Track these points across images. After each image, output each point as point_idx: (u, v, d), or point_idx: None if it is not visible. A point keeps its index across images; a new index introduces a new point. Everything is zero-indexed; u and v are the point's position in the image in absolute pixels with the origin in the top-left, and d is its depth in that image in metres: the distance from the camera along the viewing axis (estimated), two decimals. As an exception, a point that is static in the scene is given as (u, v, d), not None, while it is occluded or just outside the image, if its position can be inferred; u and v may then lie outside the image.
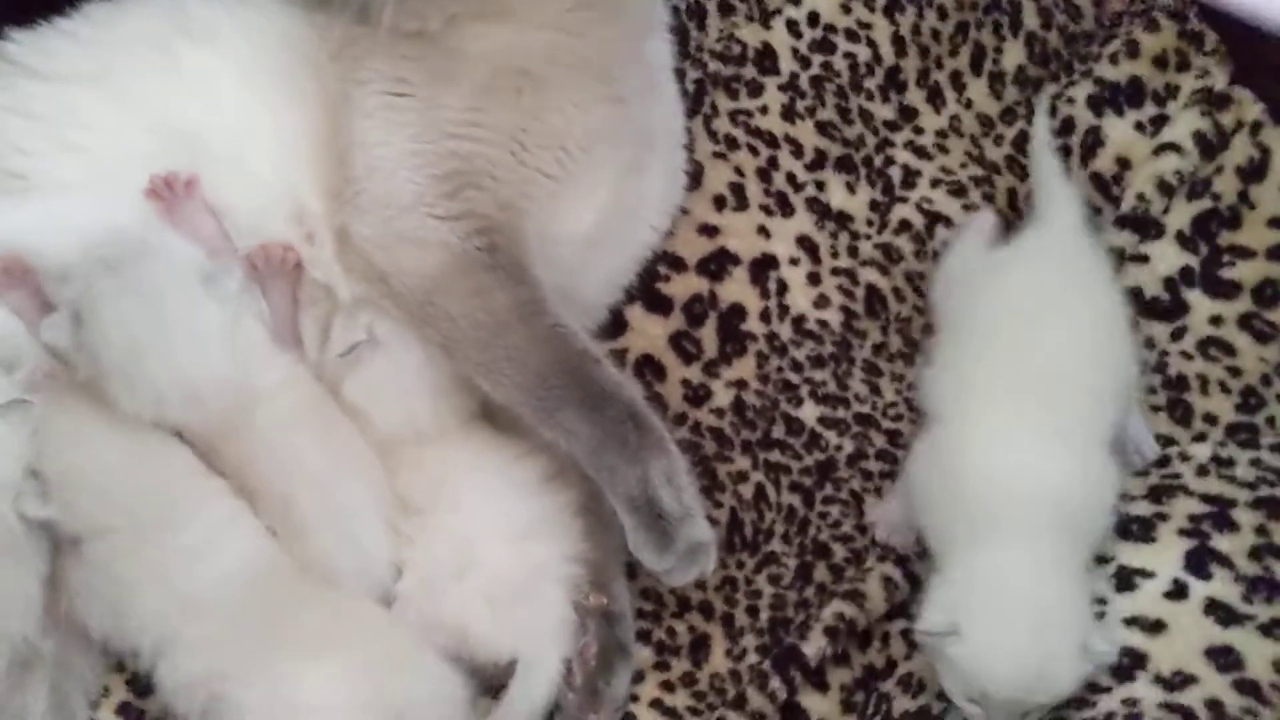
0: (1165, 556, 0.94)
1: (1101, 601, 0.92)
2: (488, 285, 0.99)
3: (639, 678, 1.02)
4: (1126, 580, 0.93)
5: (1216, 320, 1.14)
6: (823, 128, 1.26)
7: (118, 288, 0.92)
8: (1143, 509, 1.01)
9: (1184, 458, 1.05)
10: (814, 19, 1.28)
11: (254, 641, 0.91)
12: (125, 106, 1.02)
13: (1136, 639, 0.88)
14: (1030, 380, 0.98)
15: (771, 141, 1.24)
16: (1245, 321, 1.13)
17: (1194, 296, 1.15)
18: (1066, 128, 1.24)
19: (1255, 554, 0.95)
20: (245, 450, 0.98)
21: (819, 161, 1.25)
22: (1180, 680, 0.86)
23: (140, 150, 1.01)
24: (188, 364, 0.93)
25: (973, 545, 0.92)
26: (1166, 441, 1.08)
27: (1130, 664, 0.87)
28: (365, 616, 0.96)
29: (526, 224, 1.03)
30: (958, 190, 1.25)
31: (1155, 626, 0.88)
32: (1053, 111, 1.24)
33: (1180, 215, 1.17)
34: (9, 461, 0.93)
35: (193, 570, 0.92)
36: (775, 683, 0.99)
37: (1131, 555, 0.96)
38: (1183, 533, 0.95)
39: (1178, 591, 0.91)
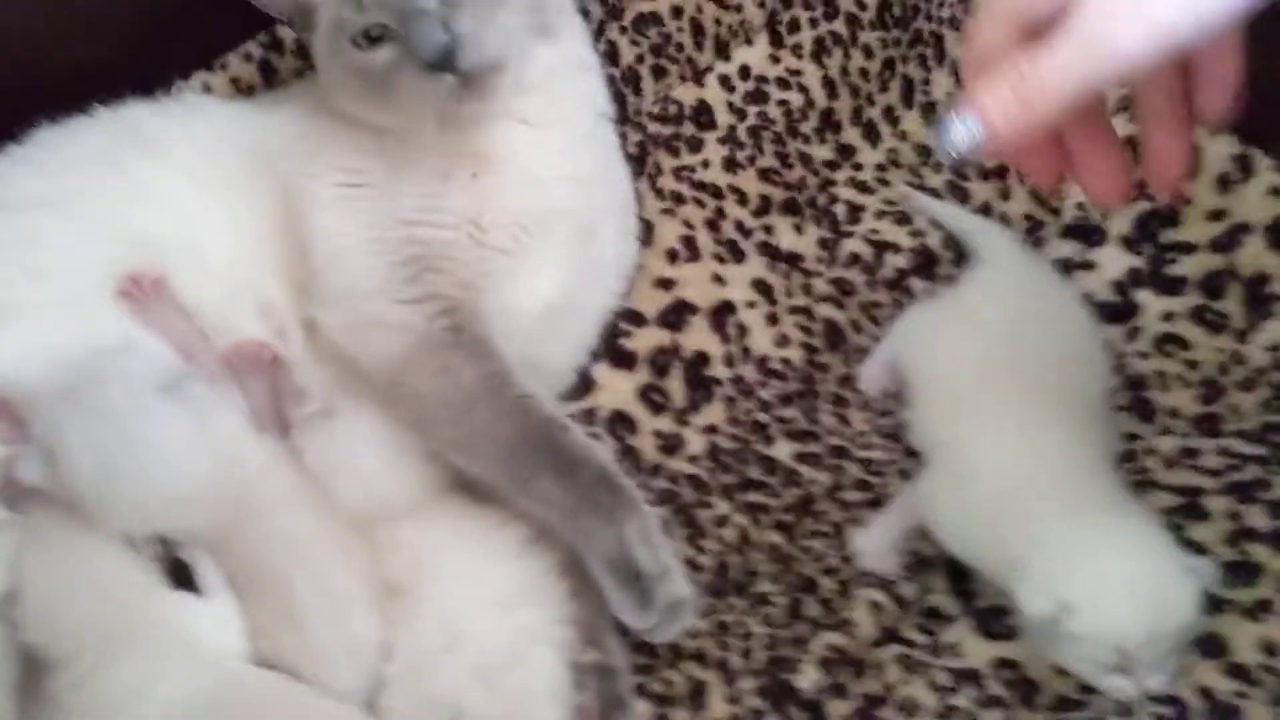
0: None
1: None
2: (453, 363, 1.01)
3: (640, 731, 1.02)
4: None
5: (1168, 316, 1.16)
6: (765, 174, 1.29)
7: (77, 415, 0.93)
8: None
9: (1150, 452, 1.07)
10: (745, 72, 1.32)
11: None
12: (82, 226, 1.04)
13: None
14: (1024, 399, 1.00)
15: (716, 193, 1.27)
16: (1197, 314, 1.15)
17: (1144, 296, 1.17)
18: (1000, 148, 1.27)
19: (1231, 539, 0.96)
20: (244, 541, 0.98)
21: (764, 207, 1.28)
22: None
23: (101, 266, 1.03)
24: (159, 475, 0.94)
25: (1029, 540, 0.91)
26: (1131, 438, 1.10)
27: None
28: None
29: (487, 300, 1.05)
30: (902, 219, 1.28)
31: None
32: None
33: (1121, 219, 1.20)
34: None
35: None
36: (774, 721, 0.99)
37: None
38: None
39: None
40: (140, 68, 1.16)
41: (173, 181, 1.06)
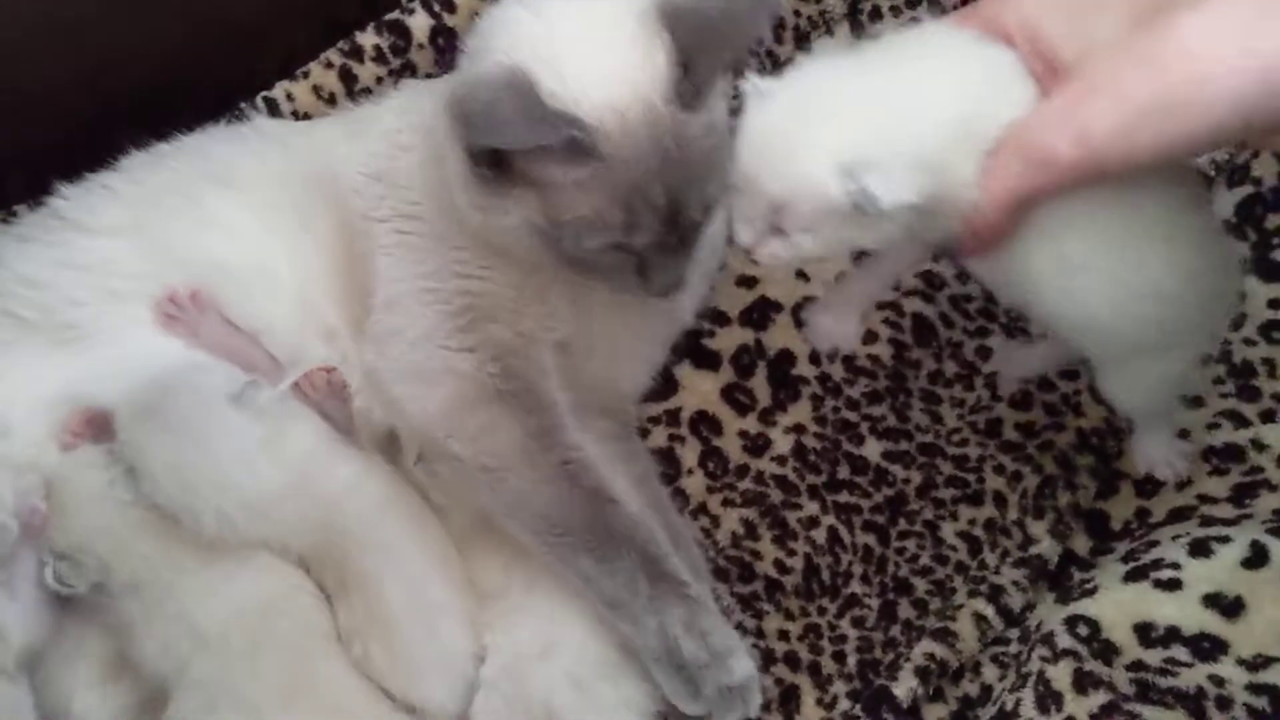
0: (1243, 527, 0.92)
1: (1175, 567, 0.89)
2: (496, 419, 0.97)
3: (731, 737, 1.00)
4: (1202, 545, 0.90)
5: (1275, 304, 1.11)
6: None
7: (152, 431, 0.95)
8: (1225, 511, 0.99)
9: (1259, 446, 1.03)
10: (826, 63, 1.30)
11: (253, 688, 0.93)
12: (159, 255, 1.04)
13: (1215, 624, 0.85)
14: None
15: (799, 187, 1.25)
16: (1305, 300, 1.11)
17: (1250, 284, 1.12)
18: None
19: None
20: (338, 550, 0.99)
21: (850, 200, 1.26)
22: (1262, 662, 0.83)
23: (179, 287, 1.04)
24: (238, 484, 0.95)
25: None
26: (1239, 425, 1.06)
27: (1211, 648, 0.84)
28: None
29: (544, 348, 1.02)
30: (992, 209, 1.25)
31: (1234, 607, 0.85)
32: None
33: (1224, 204, 1.15)
34: None
35: (206, 606, 0.94)
36: (870, 726, 0.97)
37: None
38: (1264, 523, 0.92)
39: (1256, 558, 0.88)
40: (224, 78, 1.18)
41: (242, 211, 1.06)
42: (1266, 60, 0.63)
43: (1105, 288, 0.79)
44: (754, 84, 0.82)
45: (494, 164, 0.89)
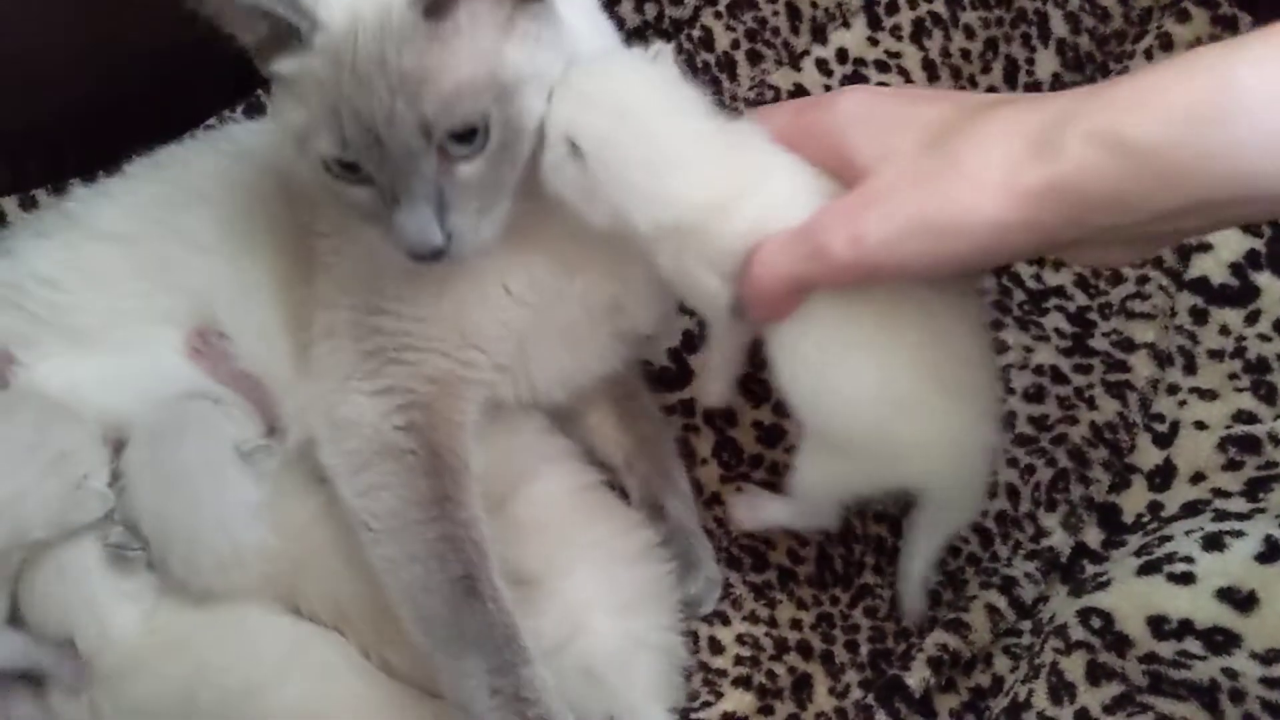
0: (1256, 521, 0.92)
1: (1188, 560, 0.89)
2: (387, 479, 0.93)
3: (743, 725, 1.01)
4: (1215, 539, 0.90)
5: (1290, 300, 1.12)
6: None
7: (152, 461, 0.97)
8: (1239, 505, 0.99)
9: (1275, 440, 1.03)
10: (843, 55, 1.30)
11: None
12: (154, 272, 1.05)
13: (1229, 618, 0.86)
14: None
15: (815, 179, 1.25)
16: (1320, 297, 1.11)
17: (1263, 279, 1.12)
18: (1111, 127, 1.23)
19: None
20: (303, 593, 1.01)
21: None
22: (1275, 656, 0.83)
23: (168, 313, 1.04)
24: (212, 539, 0.96)
25: None
26: (1249, 419, 1.06)
27: (1224, 641, 0.84)
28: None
29: (462, 394, 0.96)
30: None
31: (1248, 601, 0.86)
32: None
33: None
34: None
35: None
36: (881, 716, 0.97)
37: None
38: (1278, 517, 0.92)
39: (1270, 552, 0.88)
40: (240, 61, 1.18)
41: (218, 227, 1.04)
42: (1028, 198, 0.67)
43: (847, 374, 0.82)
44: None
45: (270, 73, 0.84)
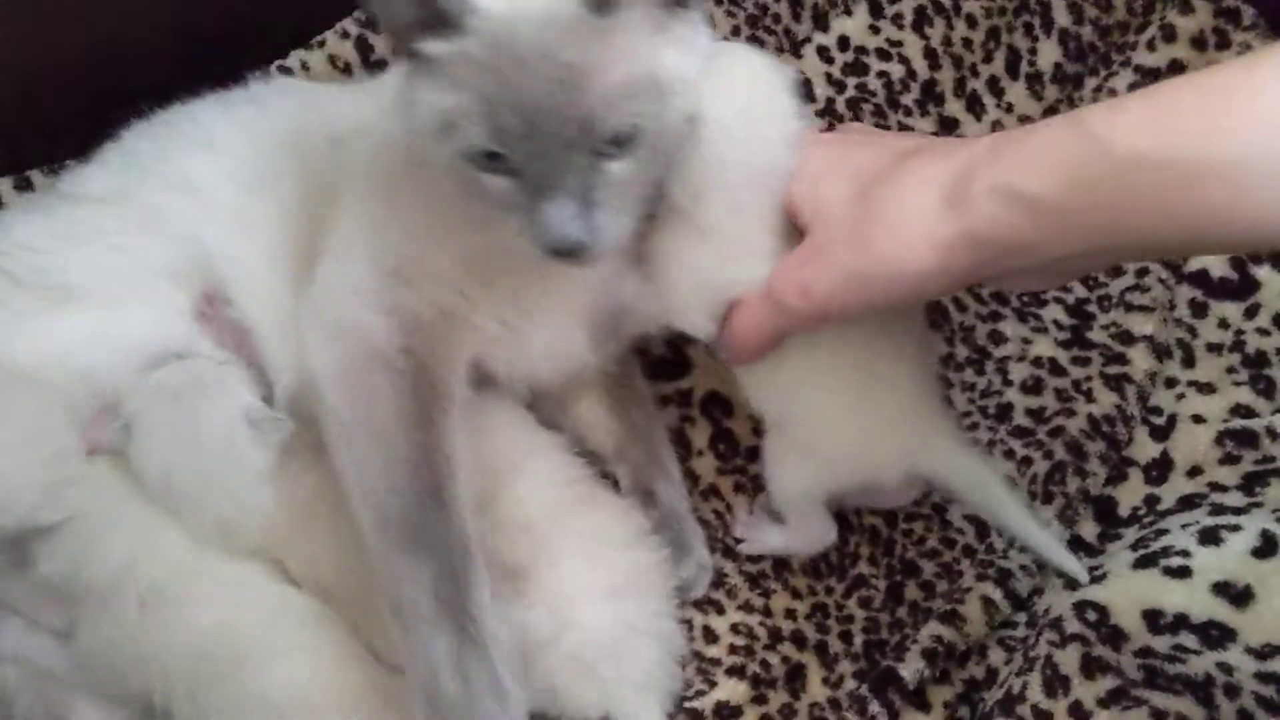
0: (1253, 516, 0.92)
1: (1184, 554, 0.89)
2: (377, 389, 0.92)
3: (738, 713, 1.01)
4: (1212, 534, 0.90)
5: (1289, 293, 1.11)
6: (865, 148, 1.26)
7: (166, 420, 0.96)
8: (1236, 500, 0.99)
9: (1273, 435, 1.03)
10: (844, 43, 1.29)
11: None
12: (147, 223, 1.05)
13: (1224, 612, 0.86)
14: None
15: (814, 167, 1.24)
16: (1320, 291, 1.10)
17: (1263, 272, 1.12)
18: (1111, 119, 1.23)
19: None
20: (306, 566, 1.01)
21: (864, 181, 1.26)
22: (1270, 651, 0.83)
23: (161, 265, 1.04)
24: (218, 505, 0.96)
25: None
26: (1247, 413, 1.06)
27: (1220, 636, 0.84)
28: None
29: (465, 333, 0.97)
30: (1007, 193, 1.24)
31: (1243, 596, 0.86)
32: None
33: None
34: None
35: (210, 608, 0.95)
36: (875, 707, 0.98)
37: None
38: (1275, 512, 0.92)
39: (1266, 547, 0.88)
40: (240, 46, 1.17)
41: (215, 177, 1.05)
42: (942, 248, 0.75)
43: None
44: None
45: (401, 54, 0.83)
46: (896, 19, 1.29)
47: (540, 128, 0.78)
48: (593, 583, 0.99)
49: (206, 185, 1.05)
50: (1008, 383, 1.15)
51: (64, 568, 0.95)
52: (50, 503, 0.96)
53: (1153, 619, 0.88)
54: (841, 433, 0.96)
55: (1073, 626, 0.91)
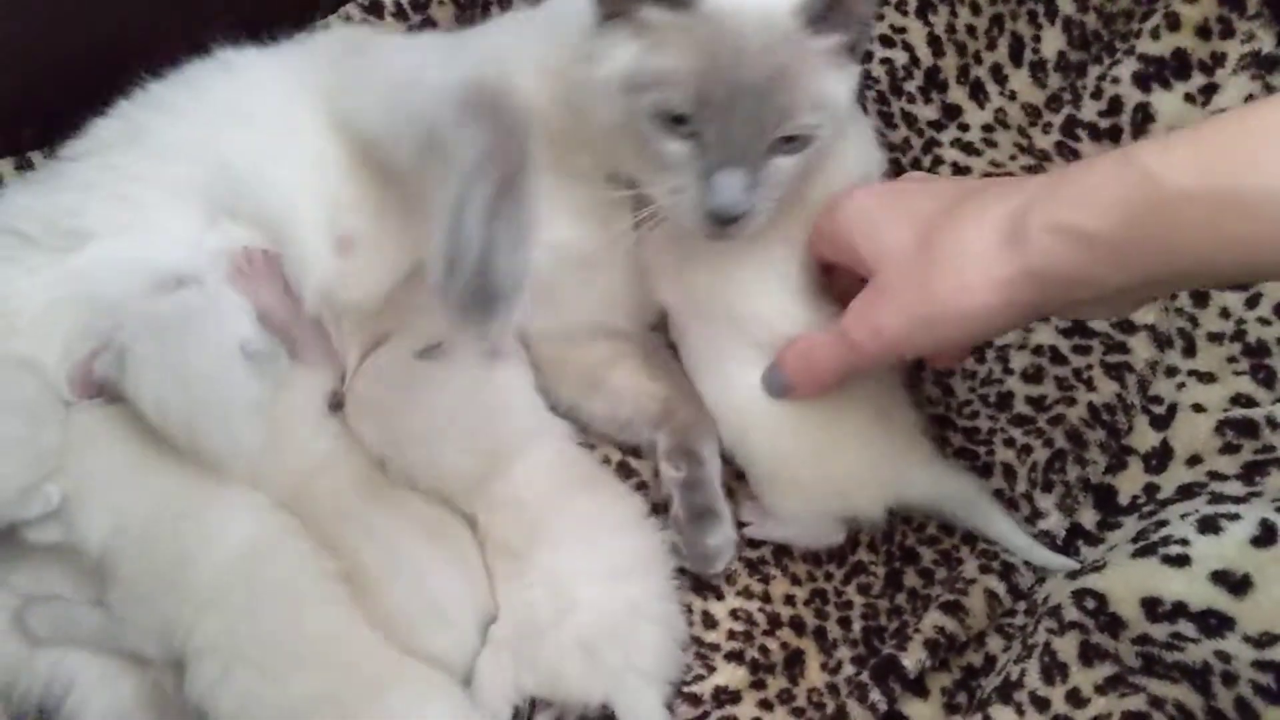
0: (1252, 505, 0.92)
1: (1183, 543, 0.89)
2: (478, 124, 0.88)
3: (736, 698, 1.01)
4: (1211, 523, 0.90)
5: (1292, 283, 1.11)
6: (867, 135, 1.26)
7: (157, 351, 0.95)
8: (1235, 489, 0.99)
9: (1273, 424, 1.03)
10: (847, 29, 1.29)
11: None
12: (157, 151, 1.04)
13: (1223, 601, 0.86)
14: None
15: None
16: (1322, 280, 1.10)
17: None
18: (1114, 108, 1.23)
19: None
20: (309, 509, 1.01)
21: (867, 169, 1.26)
22: (1268, 640, 0.83)
23: (182, 189, 1.04)
24: (211, 436, 0.96)
25: None
26: (1248, 403, 1.06)
27: (1218, 624, 0.84)
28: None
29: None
30: (1010, 181, 1.24)
31: (1242, 585, 0.86)
32: (1098, 93, 1.23)
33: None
34: None
35: (209, 555, 0.95)
36: (875, 694, 0.98)
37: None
38: (1274, 502, 0.92)
39: (1266, 536, 0.88)
40: (243, 30, 1.17)
41: (251, 97, 1.06)
42: (1003, 285, 0.80)
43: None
44: None
45: (611, 12, 0.90)
46: (900, 5, 1.29)
47: (740, 107, 0.87)
48: (593, 565, 0.99)
49: (242, 103, 1.05)
50: (1008, 371, 1.15)
51: (57, 539, 0.95)
52: (32, 499, 0.95)
53: (1151, 607, 0.88)
54: (818, 477, 1.02)
55: (1071, 614, 0.91)
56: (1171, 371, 1.10)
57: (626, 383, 1.13)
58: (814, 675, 1.04)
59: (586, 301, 1.10)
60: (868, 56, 1.28)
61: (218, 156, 1.03)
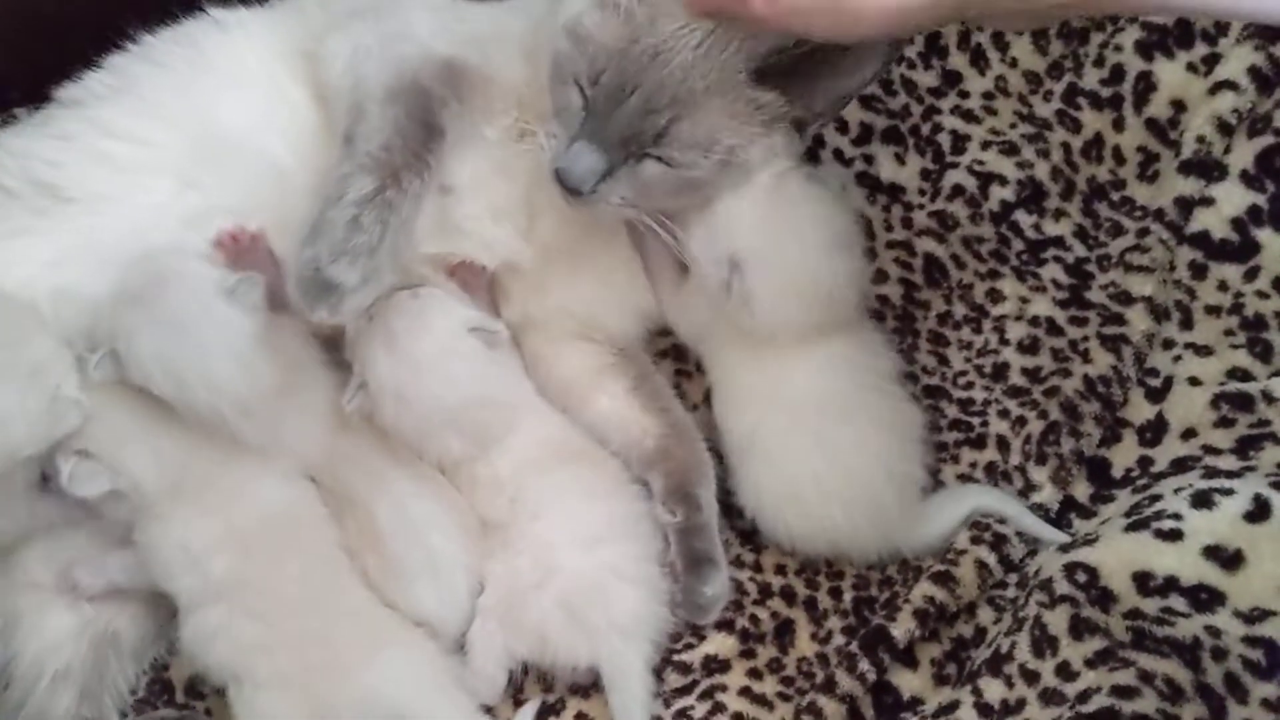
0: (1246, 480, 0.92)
1: (1176, 517, 0.89)
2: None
3: (726, 667, 1.01)
4: (1205, 497, 0.90)
5: (1291, 257, 1.10)
6: (866, 101, 1.25)
7: (143, 320, 0.94)
8: (1229, 463, 0.99)
9: (1269, 398, 1.02)
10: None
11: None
12: (149, 109, 1.03)
13: (1214, 576, 0.86)
14: None
15: (815, 120, 1.23)
16: (1321, 254, 1.09)
17: (1264, 235, 1.10)
18: (1116, 76, 1.21)
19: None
20: (334, 462, 1.02)
21: (865, 136, 1.25)
22: (1259, 615, 0.83)
23: (166, 151, 1.02)
24: (228, 378, 0.94)
25: None
26: (1244, 376, 1.05)
27: (1209, 599, 0.84)
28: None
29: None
30: (1009, 149, 1.23)
31: (1234, 560, 0.86)
32: (1100, 61, 1.22)
33: (1243, 154, 1.13)
34: None
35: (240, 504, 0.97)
36: (864, 664, 0.98)
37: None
38: (1268, 476, 0.92)
39: (1259, 511, 0.88)
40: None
41: (241, 59, 1.05)
42: None
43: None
44: None
45: None
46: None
47: (628, 105, 0.92)
48: (574, 531, 1.00)
49: (232, 63, 1.05)
50: (1004, 341, 1.15)
51: (89, 486, 0.95)
52: (55, 424, 0.95)
53: (1142, 581, 0.88)
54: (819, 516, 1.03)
55: (1062, 588, 0.91)
56: (1168, 344, 1.10)
57: (613, 408, 1.10)
58: (804, 644, 1.04)
59: (575, 291, 1.10)
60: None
61: (203, 116, 1.02)
